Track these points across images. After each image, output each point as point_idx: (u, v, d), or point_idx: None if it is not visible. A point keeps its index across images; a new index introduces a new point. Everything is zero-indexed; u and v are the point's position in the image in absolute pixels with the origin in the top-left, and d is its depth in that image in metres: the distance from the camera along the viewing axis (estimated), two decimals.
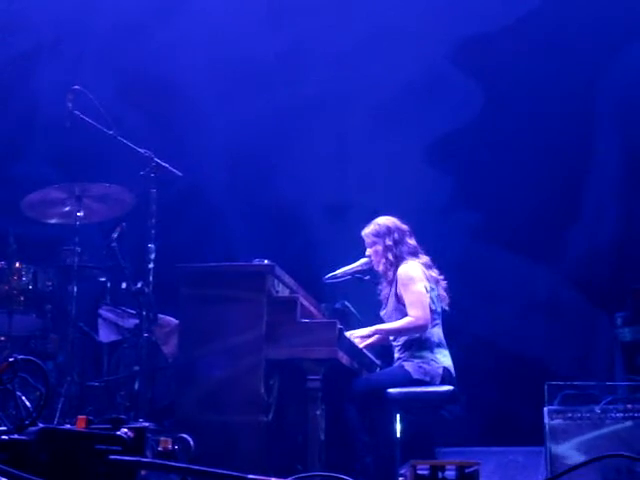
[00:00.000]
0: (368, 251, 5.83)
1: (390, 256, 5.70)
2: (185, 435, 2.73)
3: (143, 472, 2.81)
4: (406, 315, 5.54)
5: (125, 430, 2.80)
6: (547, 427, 5.21)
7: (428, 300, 5.56)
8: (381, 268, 5.76)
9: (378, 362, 5.97)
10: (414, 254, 5.74)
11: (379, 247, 5.75)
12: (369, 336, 5.65)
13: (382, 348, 5.98)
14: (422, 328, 5.55)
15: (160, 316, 5.95)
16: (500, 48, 7.77)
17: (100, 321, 6.20)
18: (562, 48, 7.77)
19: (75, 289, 5.77)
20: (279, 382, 5.22)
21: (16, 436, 2.47)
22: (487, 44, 7.76)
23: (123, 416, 2.94)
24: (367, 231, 5.83)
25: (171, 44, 7.90)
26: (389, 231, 5.75)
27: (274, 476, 2.35)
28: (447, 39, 7.86)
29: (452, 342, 5.78)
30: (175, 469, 2.47)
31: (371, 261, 5.82)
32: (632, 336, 6.15)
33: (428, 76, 7.85)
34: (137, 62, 7.82)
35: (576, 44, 7.72)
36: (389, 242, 5.71)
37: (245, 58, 7.93)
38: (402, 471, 3.97)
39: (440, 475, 3.02)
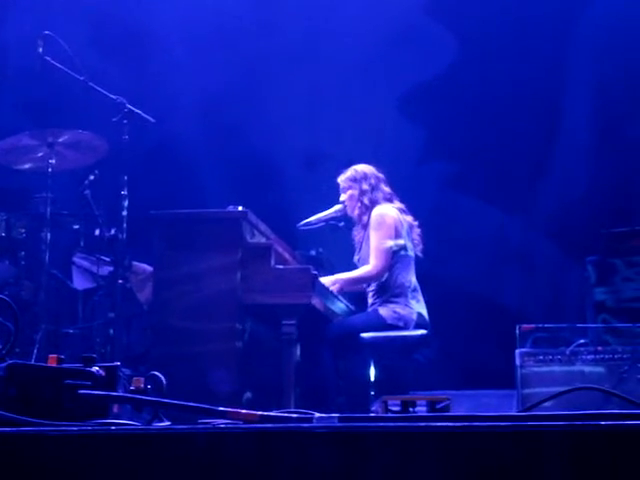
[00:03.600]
0: (342, 197, 5.84)
1: (366, 200, 5.73)
2: (156, 373, 2.73)
3: (115, 409, 2.82)
4: None
5: (96, 368, 2.80)
6: (518, 369, 5.29)
7: (392, 249, 5.60)
8: (356, 212, 5.79)
9: (352, 307, 6.00)
10: (389, 200, 5.78)
11: (355, 191, 5.77)
12: (331, 285, 5.64)
13: (356, 293, 6.02)
14: (378, 277, 5.63)
15: (135, 263, 5.95)
16: None
17: (74, 268, 6.18)
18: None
19: (48, 236, 5.73)
20: (254, 325, 5.24)
21: None
22: None
23: (94, 355, 2.93)
24: (344, 177, 5.85)
25: None
26: (365, 176, 5.78)
27: (247, 409, 2.36)
28: None
29: (426, 288, 5.83)
30: (144, 402, 2.49)
31: (345, 207, 5.84)
32: (603, 297, 6.20)
33: (401, 26, 7.80)
34: (110, 9, 7.73)
35: None
36: (365, 186, 5.74)
37: (218, 6, 7.85)
38: (373, 407, 4.01)
39: (411, 410, 3.03)
